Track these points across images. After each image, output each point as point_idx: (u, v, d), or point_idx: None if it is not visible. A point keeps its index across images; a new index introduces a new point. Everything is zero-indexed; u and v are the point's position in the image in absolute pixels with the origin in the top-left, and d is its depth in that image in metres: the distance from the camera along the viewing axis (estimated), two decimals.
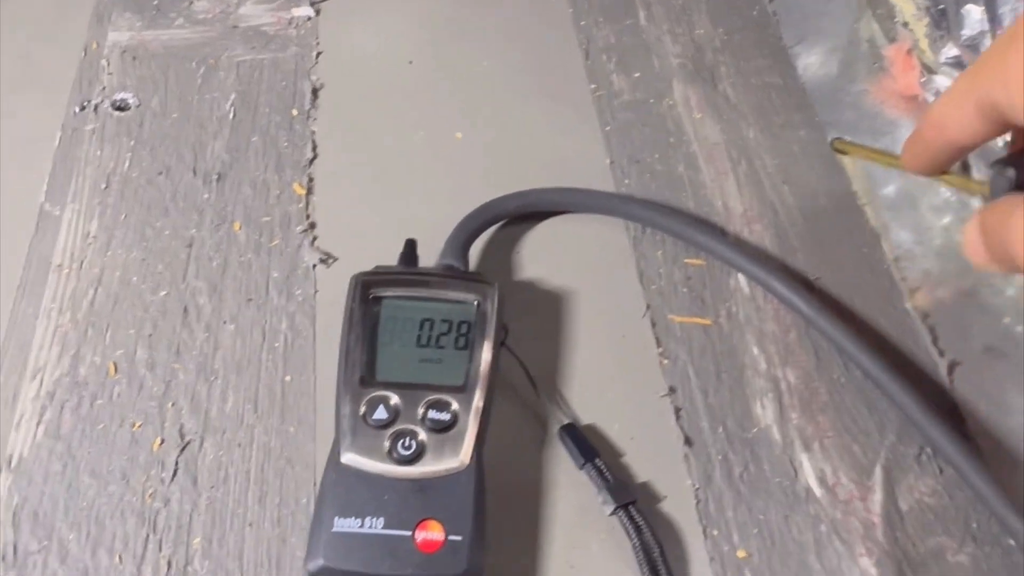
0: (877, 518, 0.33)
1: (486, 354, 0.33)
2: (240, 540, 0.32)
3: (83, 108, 0.45)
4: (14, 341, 0.37)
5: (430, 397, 0.32)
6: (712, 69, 0.48)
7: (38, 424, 0.34)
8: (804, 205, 0.43)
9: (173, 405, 0.35)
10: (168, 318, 0.38)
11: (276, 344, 0.37)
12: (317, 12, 0.51)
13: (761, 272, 0.38)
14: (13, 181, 0.42)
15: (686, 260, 0.40)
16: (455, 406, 0.32)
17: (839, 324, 0.36)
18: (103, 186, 0.42)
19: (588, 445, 0.34)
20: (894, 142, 0.45)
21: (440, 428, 0.31)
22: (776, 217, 0.42)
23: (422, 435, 0.31)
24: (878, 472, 0.34)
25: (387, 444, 0.31)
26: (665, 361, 0.37)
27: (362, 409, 0.32)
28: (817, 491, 0.34)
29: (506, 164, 0.44)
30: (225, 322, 0.38)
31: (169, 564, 0.31)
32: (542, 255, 0.40)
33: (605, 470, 0.33)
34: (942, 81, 0.47)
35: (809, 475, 0.34)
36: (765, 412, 0.36)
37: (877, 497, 0.34)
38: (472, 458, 0.31)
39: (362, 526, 0.30)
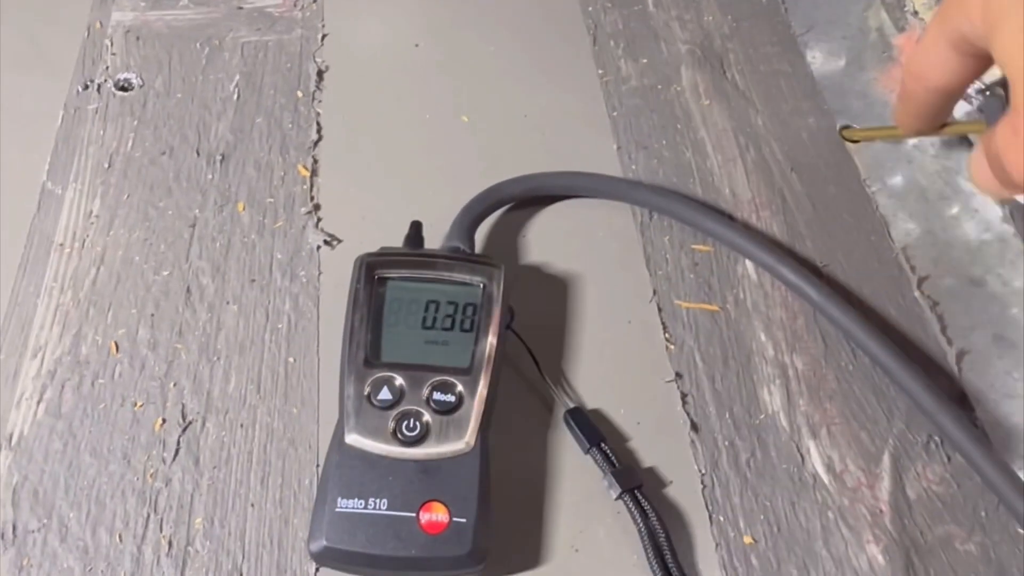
0: (885, 506, 0.33)
1: (491, 337, 0.33)
2: (242, 520, 0.32)
3: (86, 88, 0.45)
4: (15, 320, 0.36)
5: (435, 379, 0.32)
6: (721, 56, 0.48)
7: (39, 403, 0.34)
8: (812, 192, 0.42)
9: (175, 385, 0.35)
10: (170, 298, 0.37)
11: (279, 325, 0.37)
12: None
13: (770, 259, 0.38)
14: (15, 160, 0.42)
15: (693, 246, 0.40)
16: (460, 388, 0.32)
17: (848, 311, 0.36)
18: (106, 165, 0.42)
19: (594, 429, 0.33)
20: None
21: (445, 410, 0.31)
22: (784, 204, 0.42)
23: (427, 416, 0.31)
24: (886, 459, 0.34)
25: (391, 425, 0.31)
26: (672, 347, 0.37)
27: (367, 390, 0.31)
28: (824, 478, 0.34)
29: (512, 148, 0.43)
30: (228, 303, 0.37)
31: (170, 543, 0.31)
32: (548, 239, 0.40)
33: (611, 454, 0.33)
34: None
35: (816, 462, 0.34)
36: (772, 398, 0.36)
37: (885, 485, 0.33)
38: (477, 440, 0.31)
39: (366, 507, 0.29)
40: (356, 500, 0.30)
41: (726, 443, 0.34)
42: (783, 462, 0.34)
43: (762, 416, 0.35)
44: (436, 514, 0.29)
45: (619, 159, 0.43)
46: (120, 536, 0.31)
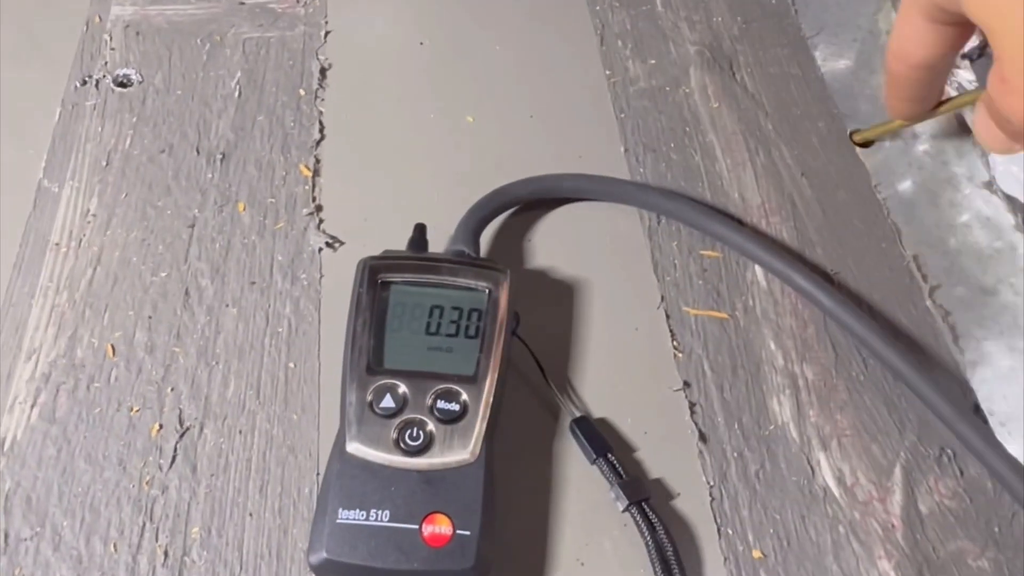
0: (897, 520, 0.32)
1: (497, 343, 0.32)
2: (240, 530, 0.31)
3: (84, 83, 0.44)
4: (9, 321, 0.36)
5: (439, 386, 0.31)
6: (730, 57, 0.47)
7: (32, 407, 0.33)
8: (822, 198, 0.42)
9: (172, 390, 0.34)
10: (168, 300, 0.37)
11: (280, 329, 0.36)
12: None
13: (780, 264, 0.37)
14: (11, 157, 0.41)
15: (702, 252, 0.39)
16: (464, 396, 0.31)
17: (861, 317, 0.35)
18: (104, 163, 0.41)
19: (600, 439, 0.33)
20: (914, 134, 0.44)
21: (449, 419, 0.30)
22: (794, 210, 0.41)
23: (430, 425, 0.30)
24: (898, 473, 0.33)
25: (394, 434, 0.30)
26: (680, 355, 0.36)
27: (369, 397, 0.31)
28: (835, 491, 0.33)
29: (518, 149, 0.42)
30: (227, 305, 0.37)
31: (166, 553, 0.30)
32: (555, 243, 0.39)
33: (618, 465, 0.32)
34: (963, 75, 0.46)
35: (827, 474, 0.33)
36: (782, 409, 0.35)
37: (896, 499, 0.33)
38: (482, 450, 0.30)
39: (367, 518, 0.29)
40: (357, 511, 0.29)
41: (735, 454, 0.34)
42: (793, 474, 0.33)
43: (772, 427, 0.34)
44: (439, 526, 0.29)
45: (626, 161, 0.42)
46: (115, 545, 0.30)
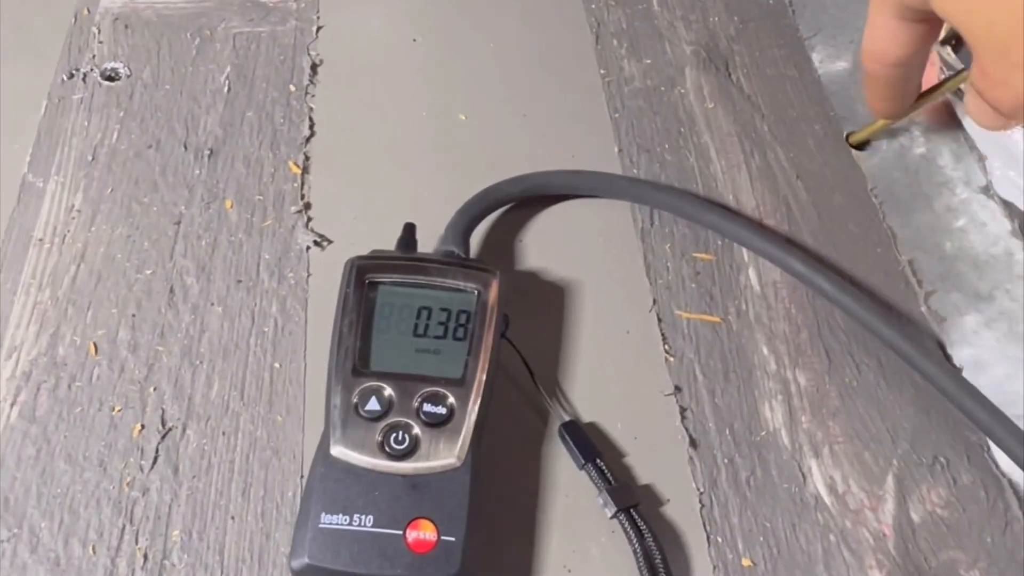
0: (888, 529, 0.32)
1: (486, 346, 0.32)
2: (221, 534, 0.30)
3: (71, 77, 0.43)
4: None
5: (426, 389, 0.30)
6: (726, 58, 0.47)
7: (12, 406, 0.33)
8: (818, 201, 0.41)
9: (155, 390, 0.34)
10: (153, 298, 0.36)
11: (265, 329, 0.35)
12: None
13: (778, 251, 0.37)
14: None
15: (695, 254, 0.39)
16: (452, 400, 0.30)
17: (863, 299, 0.35)
18: (89, 158, 0.40)
19: (589, 444, 0.32)
20: (911, 138, 0.44)
21: (435, 422, 0.30)
22: (789, 213, 0.41)
23: (416, 429, 0.30)
24: (890, 481, 0.33)
25: (379, 437, 0.29)
26: (671, 359, 0.36)
27: (354, 400, 0.30)
28: (826, 499, 0.32)
29: (511, 149, 0.42)
30: (213, 304, 0.36)
31: (145, 557, 0.30)
32: (546, 244, 0.39)
33: (607, 471, 0.31)
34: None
35: (818, 482, 0.33)
36: (774, 415, 0.34)
37: (888, 507, 0.32)
38: (468, 455, 0.30)
39: (350, 523, 0.28)
40: (340, 516, 0.28)
41: (725, 460, 0.33)
42: (784, 481, 0.33)
43: (763, 433, 0.34)
44: (424, 532, 0.28)
45: (620, 162, 0.42)
46: (93, 548, 0.30)
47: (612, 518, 0.30)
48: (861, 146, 0.44)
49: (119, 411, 0.33)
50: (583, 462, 0.32)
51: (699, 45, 0.47)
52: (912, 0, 0.30)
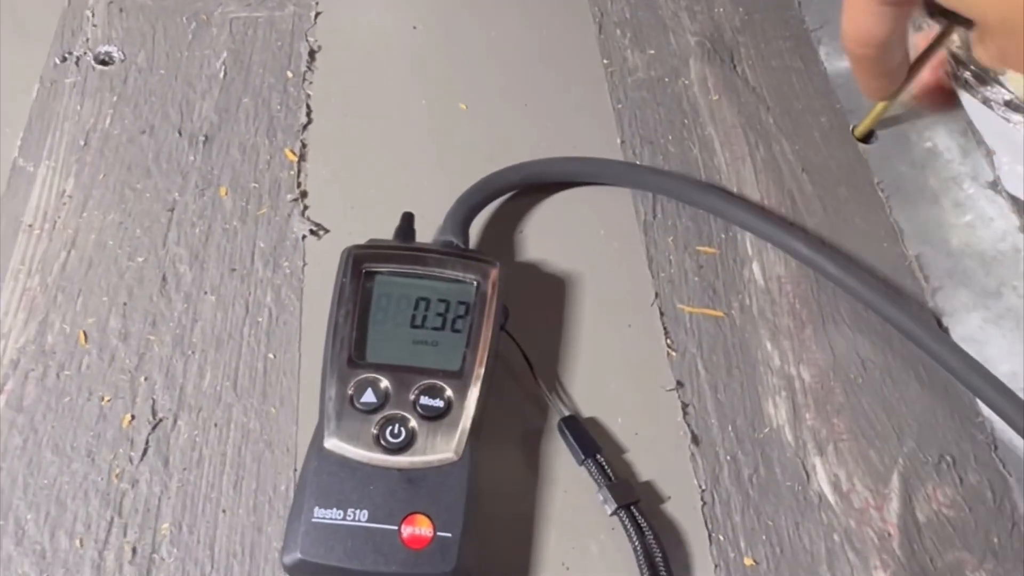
0: (893, 529, 0.31)
1: (484, 338, 0.31)
2: (212, 527, 0.30)
3: (64, 60, 0.43)
4: None
5: (423, 382, 0.30)
6: (731, 49, 0.46)
7: None
8: (823, 194, 0.41)
9: (146, 379, 0.33)
10: (145, 286, 0.35)
11: (260, 319, 0.35)
12: None
13: (782, 233, 0.36)
14: None
15: (698, 248, 0.38)
16: (449, 392, 0.30)
17: (870, 281, 0.34)
18: (81, 143, 0.40)
19: (589, 439, 0.31)
20: (916, 130, 0.43)
21: (432, 415, 0.29)
22: (794, 206, 0.40)
23: (413, 422, 0.29)
24: (895, 479, 0.32)
25: (375, 430, 0.29)
26: (673, 353, 0.35)
27: (349, 391, 0.29)
28: (830, 497, 0.32)
29: (511, 138, 0.41)
30: (206, 293, 0.35)
31: (134, 550, 0.29)
32: (547, 235, 0.38)
33: (607, 467, 0.31)
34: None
35: (822, 480, 0.32)
36: (777, 411, 0.34)
37: (894, 506, 0.32)
38: (465, 449, 0.29)
39: (344, 518, 0.27)
40: (334, 510, 0.28)
41: (728, 457, 0.33)
42: (787, 479, 0.32)
43: (766, 430, 0.33)
44: (419, 528, 0.27)
45: (623, 153, 0.41)
46: (80, 540, 0.29)
47: (612, 515, 0.30)
48: (867, 139, 0.43)
49: (108, 401, 0.32)
50: (583, 457, 0.31)
51: (704, 36, 0.46)
52: None
